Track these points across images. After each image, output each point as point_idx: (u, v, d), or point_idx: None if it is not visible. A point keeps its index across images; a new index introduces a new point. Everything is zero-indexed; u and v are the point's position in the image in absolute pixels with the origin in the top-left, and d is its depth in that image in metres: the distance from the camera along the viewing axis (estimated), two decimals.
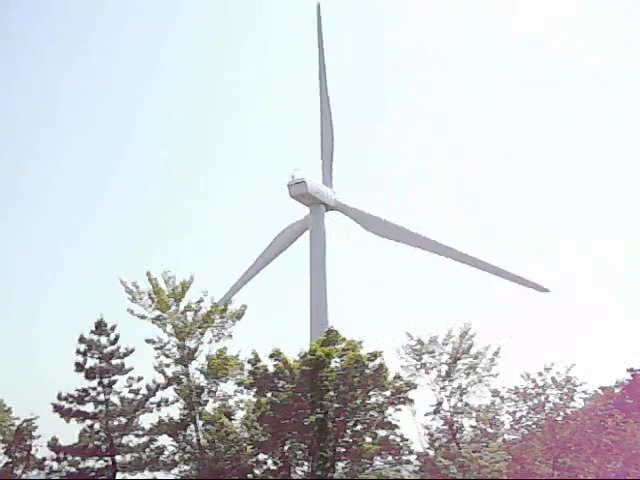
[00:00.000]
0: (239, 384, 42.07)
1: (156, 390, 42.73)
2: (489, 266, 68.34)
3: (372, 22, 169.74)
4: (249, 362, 41.42)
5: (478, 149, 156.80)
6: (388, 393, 39.96)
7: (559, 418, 40.76)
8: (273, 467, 39.26)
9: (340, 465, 38.86)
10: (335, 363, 39.31)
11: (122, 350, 42.85)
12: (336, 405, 38.08)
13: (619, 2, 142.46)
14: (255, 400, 40.47)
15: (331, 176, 72.67)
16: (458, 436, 42.26)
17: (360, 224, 72.37)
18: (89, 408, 42.04)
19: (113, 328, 42.96)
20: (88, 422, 41.85)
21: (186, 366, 43.17)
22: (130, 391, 42.54)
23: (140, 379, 42.83)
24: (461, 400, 42.91)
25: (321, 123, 72.99)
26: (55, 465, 41.67)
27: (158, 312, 43.79)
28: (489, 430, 42.16)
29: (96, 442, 41.51)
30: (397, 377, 40.67)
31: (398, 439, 39.87)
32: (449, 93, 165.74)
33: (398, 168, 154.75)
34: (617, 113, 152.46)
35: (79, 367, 42.25)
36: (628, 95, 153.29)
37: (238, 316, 44.49)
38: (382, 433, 39.72)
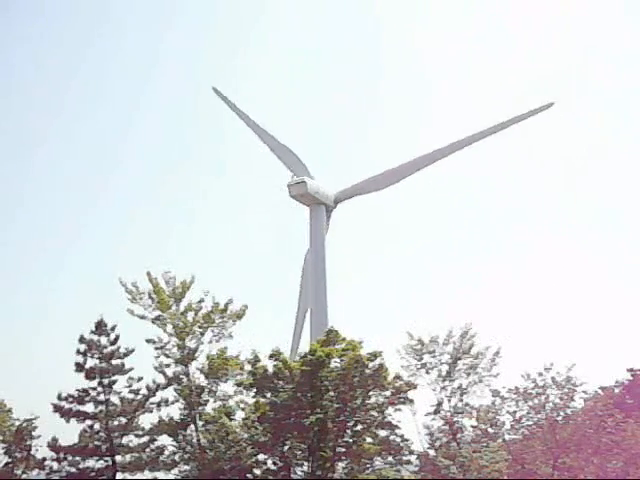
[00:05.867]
0: (239, 384, 42.07)
1: (156, 390, 42.74)
2: (489, 129, 67.11)
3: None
4: (249, 362, 41.39)
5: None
6: (388, 393, 39.90)
7: (559, 418, 40.69)
8: (273, 467, 39.19)
9: (340, 465, 38.79)
10: (335, 363, 39.22)
11: (122, 350, 42.87)
12: (336, 405, 38.01)
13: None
14: (255, 400, 40.42)
15: (307, 171, 72.11)
16: (458, 436, 42.24)
17: (369, 191, 71.98)
18: (89, 408, 42.05)
19: (113, 328, 42.96)
20: (88, 422, 41.83)
21: (186, 366, 43.20)
22: (130, 391, 42.55)
23: (140, 379, 42.85)
24: (461, 400, 42.90)
25: (267, 144, 73.06)
26: (55, 465, 41.65)
27: (158, 312, 43.83)
28: (489, 430, 42.10)
29: (96, 442, 41.49)
30: (397, 377, 40.62)
31: (398, 439, 39.81)
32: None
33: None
34: None
35: (79, 367, 42.24)
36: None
37: (238, 316, 44.52)
38: (382, 433, 39.65)
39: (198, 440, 41.41)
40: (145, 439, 42.00)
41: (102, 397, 41.98)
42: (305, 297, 71.51)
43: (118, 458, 41.28)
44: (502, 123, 66.51)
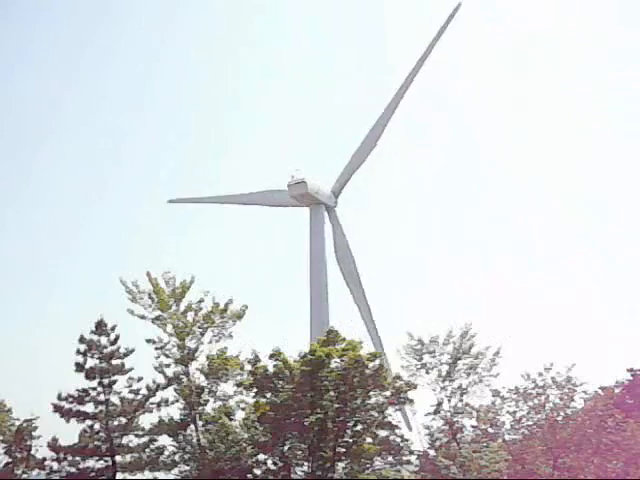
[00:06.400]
0: (239, 384, 42.08)
1: (156, 390, 42.74)
2: (428, 48, 70.60)
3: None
4: (249, 362, 41.39)
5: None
6: (388, 393, 39.90)
7: (559, 418, 40.68)
8: (273, 467, 39.19)
9: (340, 465, 38.77)
10: (335, 363, 39.21)
11: (122, 350, 42.87)
12: (336, 405, 37.98)
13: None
14: (255, 400, 40.43)
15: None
16: (458, 436, 42.21)
17: (361, 164, 72.12)
18: (89, 408, 42.04)
19: (113, 328, 42.95)
20: (88, 422, 41.82)
21: (186, 366, 43.23)
22: (130, 391, 42.54)
23: (140, 379, 42.86)
24: (461, 400, 42.85)
25: None
26: (55, 465, 41.66)
27: (158, 312, 43.86)
28: (489, 430, 42.09)
29: (96, 442, 41.48)
30: (397, 377, 40.64)
31: (398, 439, 39.81)
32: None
33: None
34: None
35: (79, 367, 42.23)
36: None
37: (238, 316, 44.54)
38: (382, 433, 39.65)
39: (198, 440, 41.41)
40: (145, 439, 42.00)
41: (102, 397, 41.97)
42: (358, 293, 71.43)
43: (118, 458, 41.28)
44: (434, 38, 70.48)
